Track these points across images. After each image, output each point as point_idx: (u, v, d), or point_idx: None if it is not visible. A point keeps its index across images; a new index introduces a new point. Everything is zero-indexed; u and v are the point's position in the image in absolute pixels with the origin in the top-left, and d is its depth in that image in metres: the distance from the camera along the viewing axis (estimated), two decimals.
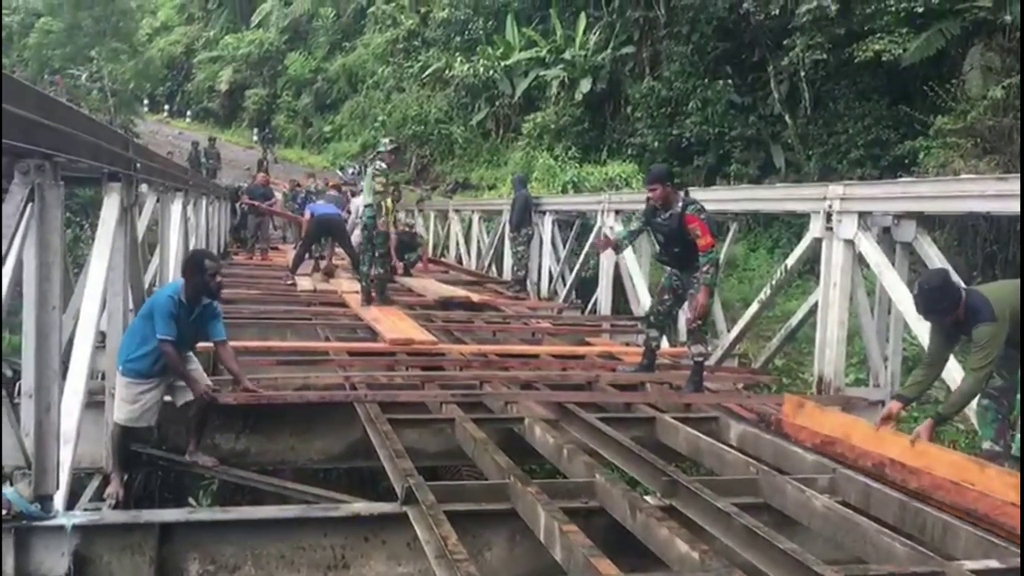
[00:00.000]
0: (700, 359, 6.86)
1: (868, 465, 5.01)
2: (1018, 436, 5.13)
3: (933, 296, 4.87)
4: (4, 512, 3.86)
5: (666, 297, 7.18)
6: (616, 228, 10.22)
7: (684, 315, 7.20)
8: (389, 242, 10.98)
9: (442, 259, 18.54)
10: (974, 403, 5.06)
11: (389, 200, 10.51)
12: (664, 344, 8.93)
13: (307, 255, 13.86)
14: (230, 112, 42.39)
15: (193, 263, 5.61)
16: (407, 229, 15.14)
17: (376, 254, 10.63)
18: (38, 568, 3.98)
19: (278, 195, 21.03)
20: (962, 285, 5.12)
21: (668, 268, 7.20)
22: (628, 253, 9.60)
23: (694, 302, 6.75)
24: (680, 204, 6.62)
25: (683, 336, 7.35)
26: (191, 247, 10.67)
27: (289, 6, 39.81)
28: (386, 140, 11.31)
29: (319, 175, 23.33)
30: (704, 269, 6.60)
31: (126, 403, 5.33)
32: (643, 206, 7.10)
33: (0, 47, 30.41)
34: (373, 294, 10.49)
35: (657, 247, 7.19)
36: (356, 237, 12.38)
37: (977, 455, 4.90)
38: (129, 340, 5.44)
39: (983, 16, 14.16)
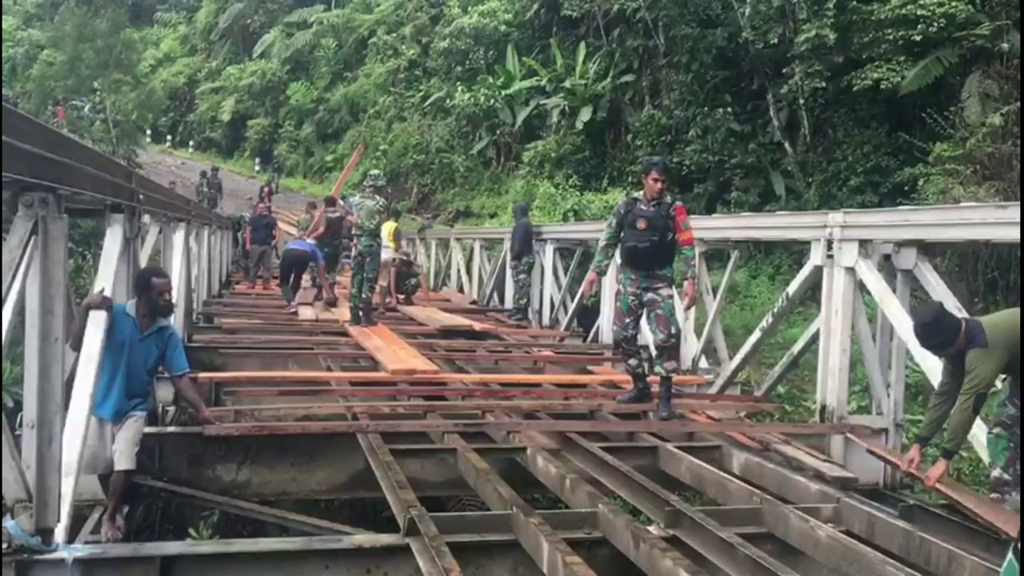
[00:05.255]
0: (672, 374, 6.93)
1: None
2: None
3: (927, 331, 4.91)
4: (5, 545, 3.84)
5: (627, 320, 7.11)
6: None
7: (653, 335, 7.13)
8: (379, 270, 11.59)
9: (443, 287, 18.53)
10: (983, 433, 5.04)
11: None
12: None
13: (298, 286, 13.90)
14: (232, 142, 42.68)
15: (141, 280, 5.37)
16: (404, 258, 15.18)
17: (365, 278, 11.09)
18: None
19: (290, 228, 21.03)
20: (964, 315, 5.11)
21: (626, 286, 7.06)
22: None
23: (684, 296, 7.10)
24: (669, 196, 7.05)
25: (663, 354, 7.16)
26: (194, 277, 10.70)
27: (291, 37, 40.12)
28: (379, 173, 12.08)
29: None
30: (691, 262, 6.99)
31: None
32: None
33: (1, 79, 30.67)
34: (361, 315, 11.01)
35: (630, 240, 6.95)
36: None
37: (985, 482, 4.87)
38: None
39: (981, 44, 14.29)
